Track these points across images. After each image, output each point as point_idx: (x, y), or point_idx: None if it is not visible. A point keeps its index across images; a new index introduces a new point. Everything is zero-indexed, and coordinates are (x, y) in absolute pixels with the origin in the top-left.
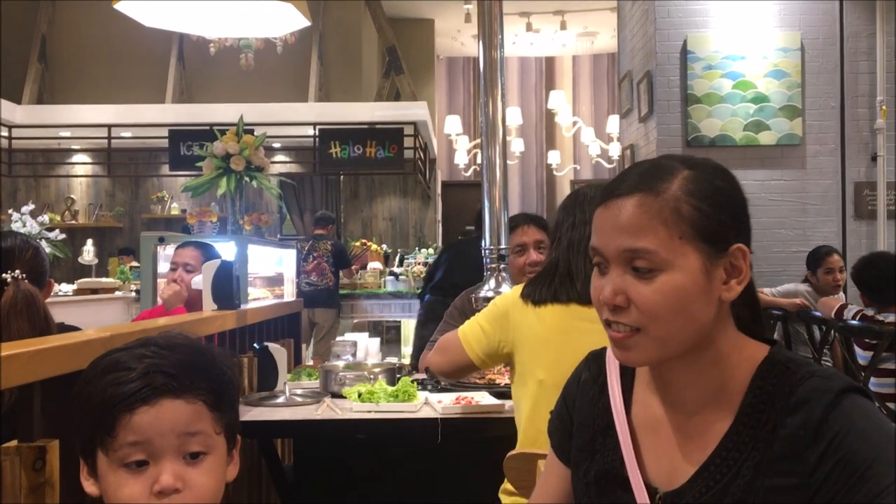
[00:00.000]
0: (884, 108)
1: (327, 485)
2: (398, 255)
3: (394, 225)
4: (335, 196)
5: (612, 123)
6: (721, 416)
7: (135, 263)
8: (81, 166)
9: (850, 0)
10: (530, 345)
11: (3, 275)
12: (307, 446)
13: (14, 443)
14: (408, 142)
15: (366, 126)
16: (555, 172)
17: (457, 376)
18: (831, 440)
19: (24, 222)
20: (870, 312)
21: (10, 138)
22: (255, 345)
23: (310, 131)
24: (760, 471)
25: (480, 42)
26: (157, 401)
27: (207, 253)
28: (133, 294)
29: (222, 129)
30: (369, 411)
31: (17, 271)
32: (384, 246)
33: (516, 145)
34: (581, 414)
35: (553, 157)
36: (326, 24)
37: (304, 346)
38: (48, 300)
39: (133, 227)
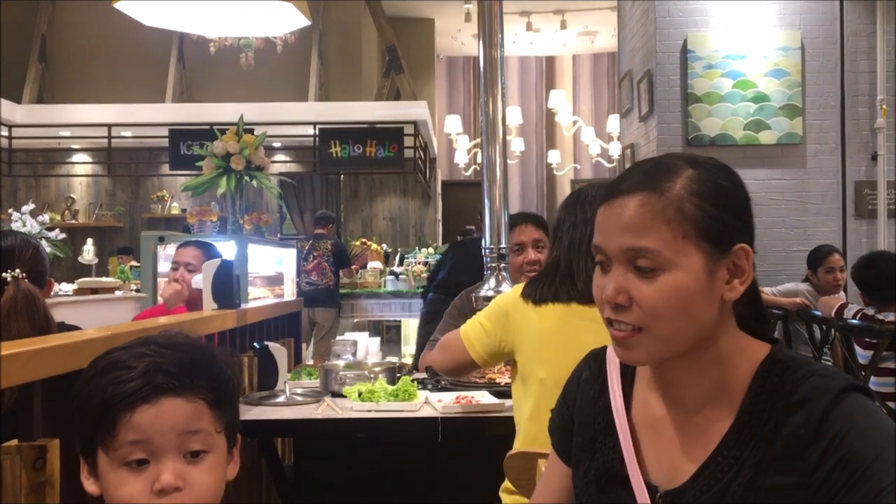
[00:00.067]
0: (884, 107)
1: (327, 484)
2: (398, 254)
3: (394, 224)
4: (335, 195)
5: (613, 123)
6: (722, 415)
7: (134, 263)
8: (81, 166)
9: None
10: (531, 344)
11: (4, 274)
12: (307, 445)
13: (14, 442)
14: (408, 141)
15: (366, 125)
16: (555, 172)
17: (459, 374)
18: (832, 439)
19: (24, 222)
20: (870, 311)
21: (10, 138)
22: (255, 344)
23: (310, 131)
24: (761, 469)
25: (480, 41)
26: (157, 399)
27: (209, 252)
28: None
29: (222, 129)
30: (369, 410)
31: (18, 270)
32: (384, 245)
33: (516, 145)
34: (581, 413)
35: (553, 157)
36: (326, 24)
37: (304, 345)
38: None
39: (133, 226)
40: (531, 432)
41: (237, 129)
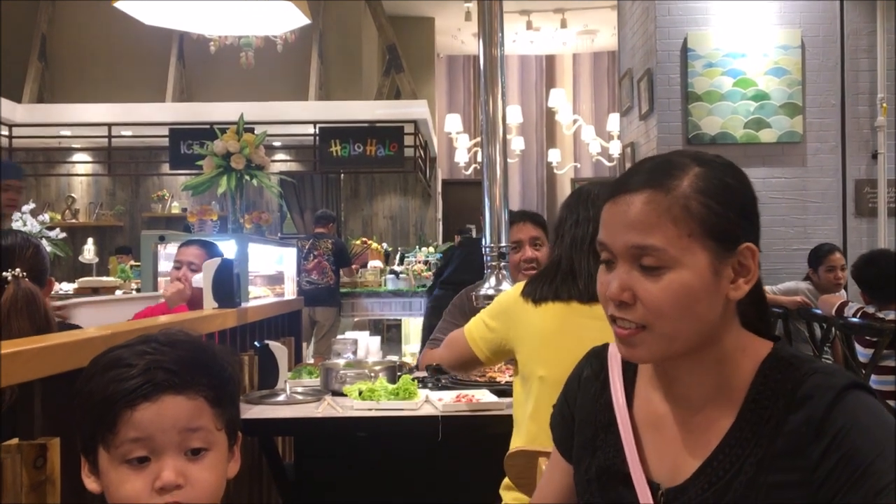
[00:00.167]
0: (884, 105)
1: (328, 482)
2: (399, 253)
3: (394, 223)
4: (335, 194)
5: (613, 121)
6: (724, 413)
7: (133, 262)
8: (82, 165)
9: None
10: (531, 342)
11: (4, 273)
12: (308, 444)
13: (15, 441)
14: (408, 140)
15: (366, 124)
16: (555, 171)
17: (464, 371)
18: (834, 436)
19: (24, 221)
20: (870, 310)
21: (10, 137)
22: (255, 343)
23: (310, 130)
24: (763, 467)
25: (480, 40)
26: (158, 397)
27: (211, 251)
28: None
29: (223, 128)
30: (370, 409)
31: (18, 269)
32: (384, 244)
33: (516, 143)
34: (583, 411)
35: (553, 156)
36: (327, 23)
37: (304, 344)
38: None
39: (133, 225)
40: (532, 430)
41: (237, 128)
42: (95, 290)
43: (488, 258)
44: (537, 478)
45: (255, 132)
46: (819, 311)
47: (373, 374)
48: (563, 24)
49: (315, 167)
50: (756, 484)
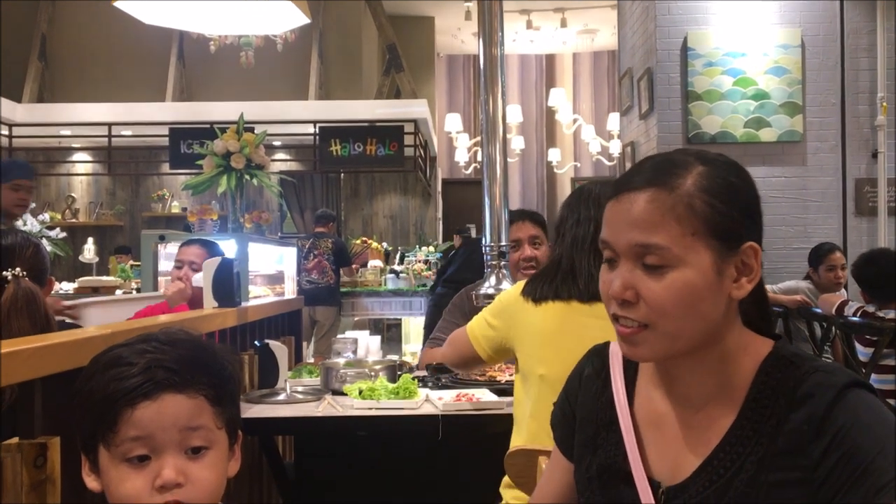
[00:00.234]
0: (884, 104)
1: (328, 482)
2: (399, 252)
3: (394, 223)
4: (335, 194)
5: (613, 121)
6: (725, 412)
7: (133, 262)
8: (82, 164)
9: None
10: (531, 341)
11: (4, 272)
12: (308, 443)
13: (15, 440)
14: (408, 139)
15: (366, 124)
16: (555, 170)
17: (466, 369)
18: (835, 435)
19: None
20: (870, 309)
21: (10, 137)
22: (255, 342)
23: (310, 129)
24: (764, 465)
25: (480, 39)
26: (158, 395)
27: (212, 251)
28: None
29: (223, 127)
30: (370, 408)
31: (18, 269)
32: (385, 244)
33: (517, 143)
34: (584, 409)
35: (553, 155)
36: (327, 22)
37: (304, 343)
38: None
39: (134, 225)
40: (532, 429)
41: (237, 127)
42: (95, 290)
43: (488, 257)
44: (537, 477)
45: (255, 132)
46: (819, 311)
47: (373, 374)
48: (563, 24)
49: (315, 167)
50: (757, 482)
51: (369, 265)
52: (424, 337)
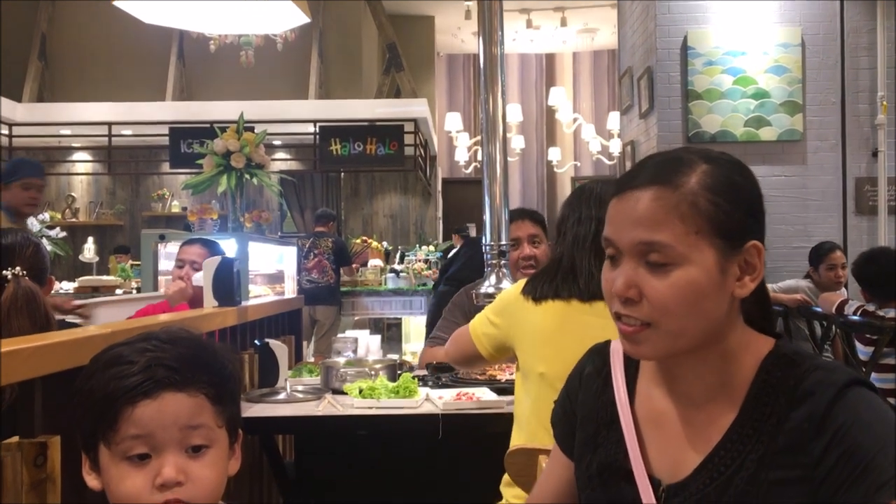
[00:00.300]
0: (884, 103)
1: (328, 481)
2: (399, 252)
3: (394, 222)
4: (336, 193)
5: (613, 120)
6: (725, 410)
7: (133, 261)
8: (82, 164)
9: None
10: (530, 340)
11: (4, 272)
12: (308, 442)
13: (15, 439)
14: (408, 139)
15: (366, 123)
16: (555, 169)
17: (467, 367)
18: (835, 433)
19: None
20: (871, 308)
21: (10, 136)
22: (255, 341)
23: (310, 128)
24: (764, 464)
25: (480, 39)
26: (158, 394)
27: (213, 250)
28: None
29: (223, 127)
30: (370, 407)
31: (18, 268)
32: (385, 243)
33: (517, 142)
34: (585, 407)
35: (553, 154)
36: (327, 21)
37: (304, 343)
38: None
39: (134, 224)
40: (532, 428)
41: (237, 126)
42: (95, 290)
43: (488, 256)
44: (537, 476)
45: (255, 131)
46: (819, 309)
47: (373, 373)
48: (563, 23)
49: (315, 166)
50: (757, 480)
51: (369, 264)
52: (426, 334)
